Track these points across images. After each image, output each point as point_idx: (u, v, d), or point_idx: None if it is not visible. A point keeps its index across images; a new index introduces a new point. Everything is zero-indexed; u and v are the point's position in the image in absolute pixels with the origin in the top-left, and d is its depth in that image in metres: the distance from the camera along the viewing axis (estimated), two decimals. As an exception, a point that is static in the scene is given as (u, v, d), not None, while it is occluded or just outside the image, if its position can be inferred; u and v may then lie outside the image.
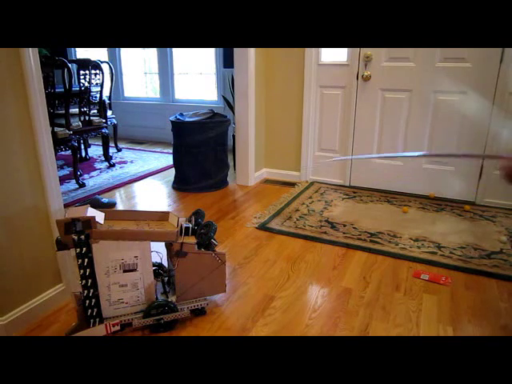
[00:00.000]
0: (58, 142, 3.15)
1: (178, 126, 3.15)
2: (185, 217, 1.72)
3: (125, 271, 1.47)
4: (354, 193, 3.10)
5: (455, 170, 2.86)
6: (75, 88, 3.51)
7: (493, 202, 2.77)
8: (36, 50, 1.48)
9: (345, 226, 2.48)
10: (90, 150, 4.49)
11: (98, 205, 2.76)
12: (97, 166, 4.04)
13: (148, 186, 3.43)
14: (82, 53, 5.61)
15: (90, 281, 1.42)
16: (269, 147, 3.48)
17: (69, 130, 3.27)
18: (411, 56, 2.79)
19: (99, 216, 1.45)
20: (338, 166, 3.28)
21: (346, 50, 3.03)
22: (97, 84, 3.67)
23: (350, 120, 3.12)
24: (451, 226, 2.46)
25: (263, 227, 2.47)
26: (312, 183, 3.33)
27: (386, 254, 2.13)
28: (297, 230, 2.42)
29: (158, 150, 4.79)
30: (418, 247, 2.20)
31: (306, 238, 2.33)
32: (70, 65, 3.26)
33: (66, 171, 3.77)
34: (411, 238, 2.31)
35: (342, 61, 3.05)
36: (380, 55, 2.90)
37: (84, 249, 1.39)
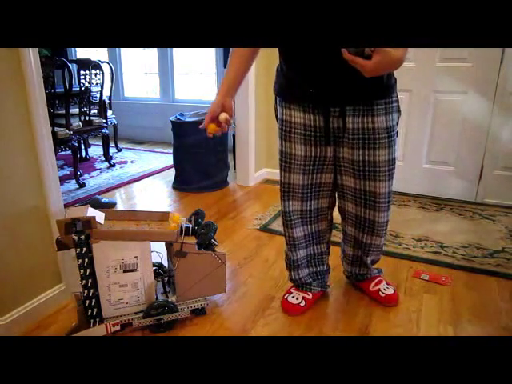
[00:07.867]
0: (58, 142, 3.15)
1: (178, 126, 3.15)
2: (185, 217, 1.71)
3: (125, 271, 1.47)
4: (354, 193, 3.09)
5: (455, 170, 2.86)
6: (75, 88, 3.50)
7: (492, 201, 2.77)
8: (36, 49, 1.48)
9: (346, 226, 2.48)
10: (90, 150, 4.49)
11: (98, 205, 2.76)
12: (97, 166, 4.04)
13: (148, 186, 3.43)
14: (82, 53, 5.61)
15: (90, 281, 1.42)
16: (269, 147, 3.47)
17: (69, 130, 3.27)
18: (411, 56, 2.79)
19: (99, 216, 1.45)
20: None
21: (346, 49, 3.02)
22: (97, 84, 3.67)
23: (350, 120, 3.11)
24: (452, 225, 2.46)
25: (265, 229, 2.46)
26: (312, 183, 3.32)
27: (390, 255, 2.11)
28: (299, 231, 2.41)
29: (158, 150, 4.79)
30: (422, 247, 2.20)
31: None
32: (70, 65, 3.26)
33: (66, 171, 3.77)
34: (414, 238, 2.30)
35: (342, 61, 3.04)
36: (380, 55, 2.89)
37: (84, 249, 1.38)
